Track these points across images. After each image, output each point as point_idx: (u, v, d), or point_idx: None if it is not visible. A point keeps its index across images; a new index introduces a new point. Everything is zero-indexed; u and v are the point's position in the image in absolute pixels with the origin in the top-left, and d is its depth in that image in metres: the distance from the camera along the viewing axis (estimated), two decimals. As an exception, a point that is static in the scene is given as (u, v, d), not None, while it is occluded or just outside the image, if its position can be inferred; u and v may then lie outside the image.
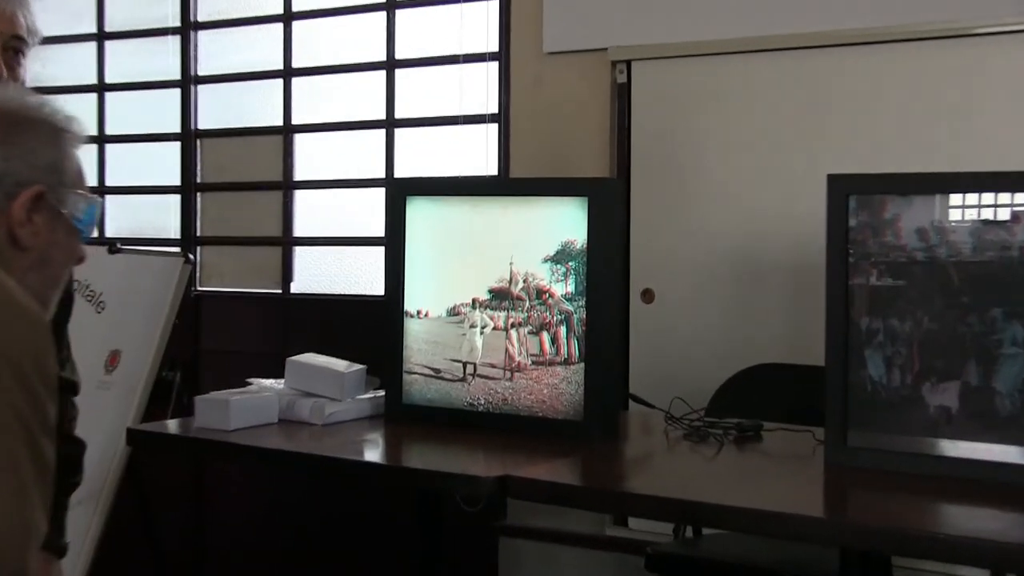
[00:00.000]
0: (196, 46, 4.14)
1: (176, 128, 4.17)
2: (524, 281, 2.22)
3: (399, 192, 2.36)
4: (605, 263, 2.15)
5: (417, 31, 3.68)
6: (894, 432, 1.87)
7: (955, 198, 1.85)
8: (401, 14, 3.70)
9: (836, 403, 1.91)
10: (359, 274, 3.86)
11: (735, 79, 3.14)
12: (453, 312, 2.29)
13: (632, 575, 3.06)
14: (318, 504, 3.81)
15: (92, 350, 3.10)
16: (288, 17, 3.94)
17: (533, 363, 2.20)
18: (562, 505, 1.92)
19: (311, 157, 3.99)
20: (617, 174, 3.31)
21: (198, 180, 4.18)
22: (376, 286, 3.80)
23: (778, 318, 3.02)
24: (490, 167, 3.57)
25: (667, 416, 2.30)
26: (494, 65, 3.51)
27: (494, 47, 3.49)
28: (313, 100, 4.00)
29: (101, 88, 4.28)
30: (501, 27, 3.47)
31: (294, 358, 2.40)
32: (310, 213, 3.95)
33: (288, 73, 3.99)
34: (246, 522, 3.97)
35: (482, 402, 2.24)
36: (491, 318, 2.25)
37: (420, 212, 2.33)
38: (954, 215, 1.84)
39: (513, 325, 2.23)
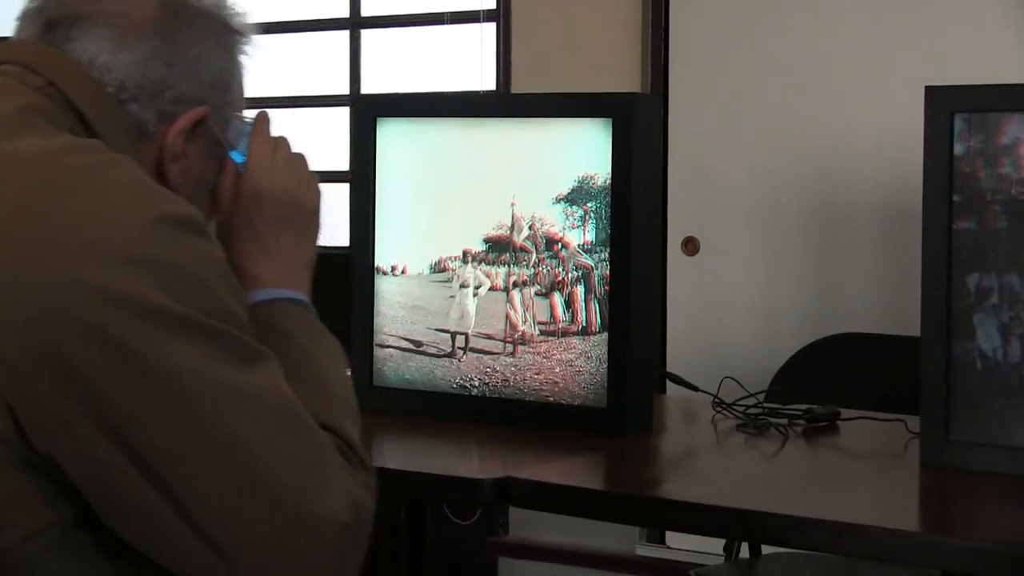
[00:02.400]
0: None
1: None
2: (530, 227, 2.22)
3: (368, 113, 2.36)
4: (635, 204, 2.15)
5: (390, -99, 3.67)
6: (1012, 423, 1.87)
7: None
8: None
9: (935, 385, 1.91)
10: (316, 219, 3.86)
11: (806, -37, 3.12)
12: (438, 268, 2.29)
13: (670, 607, 3.08)
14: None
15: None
16: None
17: (542, 333, 2.21)
18: (580, 516, 1.93)
19: (251, 67, 3.97)
20: (651, 89, 3.30)
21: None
22: (338, 235, 3.80)
23: (862, 275, 3.02)
24: (486, 80, 3.56)
25: (715, 401, 2.31)
26: (490, -55, 3.50)
27: (490, -78, 3.48)
28: (254, -8, 3.98)
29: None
30: None
31: (232, 328, 2.41)
32: (252, 140, 3.94)
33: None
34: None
35: (476, 384, 2.25)
36: (487, 275, 2.26)
37: (395, 138, 2.33)
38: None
39: (516, 285, 2.23)
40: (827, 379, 2.74)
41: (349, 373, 1.38)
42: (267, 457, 1.13)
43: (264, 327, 1.27)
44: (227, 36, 1.30)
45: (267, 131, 1.39)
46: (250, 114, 1.38)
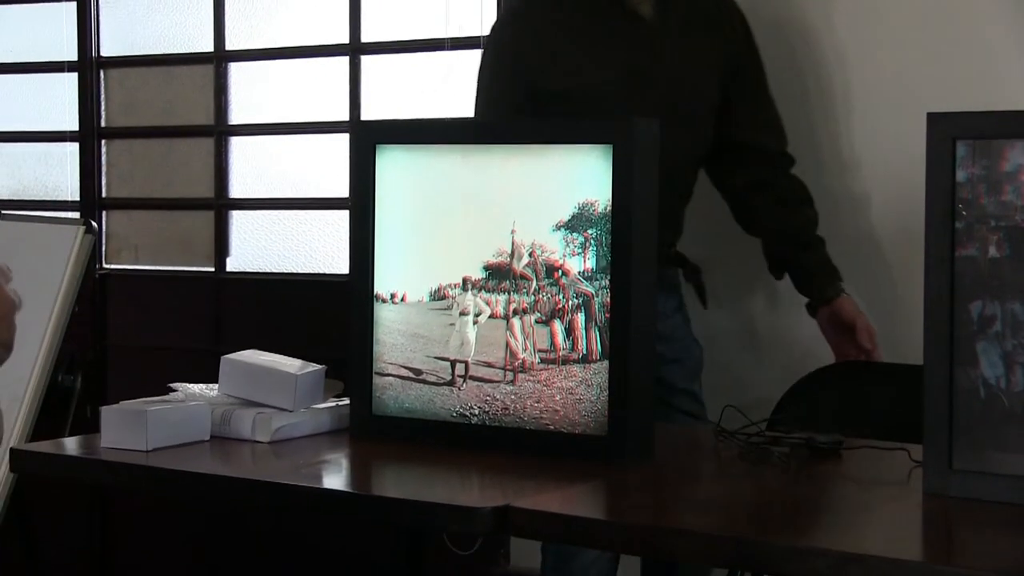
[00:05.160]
0: (99, -52, 4.14)
1: (72, 55, 4.17)
2: (530, 255, 2.23)
3: (367, 139, 2.37)
4: (636, 231, 2.15)
5: (389, -73, 3.68)
6: (1015, 451, 1.87)
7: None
8: (368, -95, 3.70)
9: (938, 413, 1.91)
10: (315, 247, 3.87)
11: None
12: (438, 296, 2.30)
13: (672, 638, 3.07)
14: (259, 548, 3.82)
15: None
16: (220, -91, 3.94)
17: (542, 361, 2.21)
18: (580, 545, 1.93)
19: (251, 94, 3.99)
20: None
21: (102, 124, 4.18)
22: (338, 262, 3.81)
23: (864, 302, 3.02)
24: (486, 106, 3.55)
25: (717, 429, 2.31)
26: (490, -28, 3.51)
27: (490, -52, 3.49)
28: (253, 18, 3.99)
29: (-25, 4, 4.28)
30: (500, -78, 3.47)
31: (231, 356, 2.41)
32: (251, 167, 3.95)
33: (220, -17, 3.98)
34: (164, 571, 3.98)
35: (476, 412, 2.25)
36: (487, 303, 2.26)
37: (395, 166, 2.33)
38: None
39: (516, 312, 2.24)
40: (830, 407, 2.74)
41: None
42: None
43: None
44: None
45: None
46: None
